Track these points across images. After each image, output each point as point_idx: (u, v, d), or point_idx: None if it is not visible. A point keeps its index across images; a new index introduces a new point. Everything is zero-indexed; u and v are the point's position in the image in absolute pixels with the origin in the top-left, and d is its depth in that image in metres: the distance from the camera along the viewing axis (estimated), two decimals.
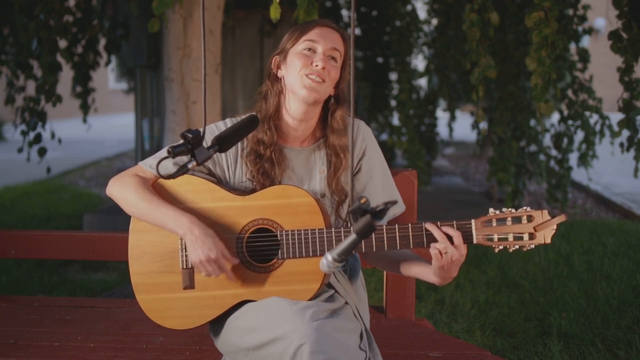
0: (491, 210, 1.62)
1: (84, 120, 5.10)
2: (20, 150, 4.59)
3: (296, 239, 1.69)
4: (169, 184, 1.78)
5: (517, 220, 1.59)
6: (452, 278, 1.65)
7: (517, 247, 1.59)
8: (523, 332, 3.26)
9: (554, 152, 6.31)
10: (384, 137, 8.17)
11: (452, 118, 9.09)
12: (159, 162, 1.48)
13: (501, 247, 1.60)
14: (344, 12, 7.43)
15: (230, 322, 1.70)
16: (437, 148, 8.16)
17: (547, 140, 6.59)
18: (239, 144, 1.82)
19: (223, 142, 1.53)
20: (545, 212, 1.58)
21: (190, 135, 1.44)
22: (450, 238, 1.58)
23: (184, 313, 1.76)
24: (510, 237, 1.59)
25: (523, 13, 5.35)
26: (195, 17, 3.52)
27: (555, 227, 1.58)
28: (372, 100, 7.67)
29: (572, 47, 5.78)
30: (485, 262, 4.40)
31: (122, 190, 1.77)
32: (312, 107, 1.78)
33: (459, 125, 10.97)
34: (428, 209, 6.21)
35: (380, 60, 7.61)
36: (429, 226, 1.61)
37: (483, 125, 8.64)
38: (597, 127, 5.61)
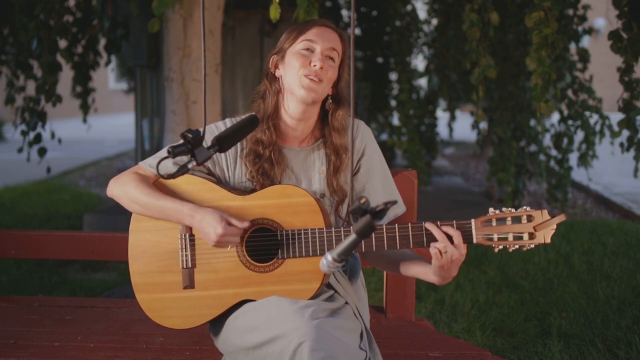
0: (491, 210, 1.62)
1: (84, 120, 5.10)
2: (20, 150, 4.59)
3: (296, 238, 1.69)
4: (169, 183, 1.78)
5: (516, 220, 1.59)
6: (451, 278, 1.65)
7: (516, 246, 1.59)
8: (523, 332, 3.26)
9: (554, 152, 6.31)
10: (384, 137, 8.17)
11: (452, 118, 9.09)
12: (159, 162, 1.48)
13: (501, 247, 1.60)
14: (344, 12, 7.43)
15: (230, 322, 1.70)
16: (437, 148, 8.15)
17: (547, 140, 6.59)
18: (239, 144, 1.82)
19: (223, 142, 1.54)
20: (545, 212, 1.58)
21: (190, 135, 1.44)
22: (450, 237, 1.59)
23: (184, 313, 1.76)
24: (510, 237, 1.59)
25: (523, 13, 5.35)
26: (195, 17, 3.52)
27: (555, 226, 1.58)
28: (372, 100, 7.67)
29: (572, 47, 5.78)
30: (485, 262, 4.40)
31: (123, 188, 1.77)
32: (310, 106, 1.78)
33: (459, 125, 10.97)
34: (428, 209, 6.21)
35: (380, 60, 7.61)
36: (429, 226, 1.61)
37: (483, 125, 8.64)
38: (597, 127, 5.60)
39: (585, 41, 9.99)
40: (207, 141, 1.73)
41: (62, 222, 5.82)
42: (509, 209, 1.60)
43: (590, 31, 5.72)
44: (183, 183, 1.77)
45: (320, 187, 1.82)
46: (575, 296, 3.71)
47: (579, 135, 5.83)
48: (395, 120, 6.91)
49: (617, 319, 3.35)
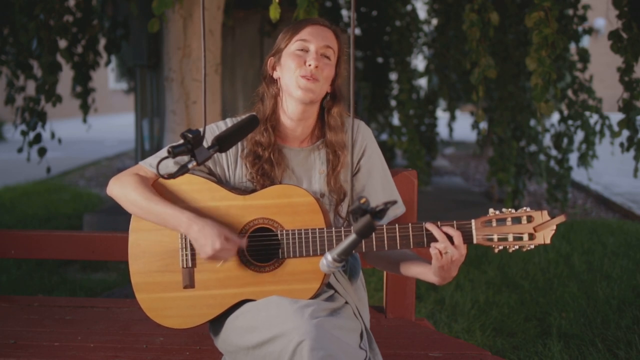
0: (491, 210, 1.62)
1: (84, 120, 5.10)
2: (20, 150, 4.59)
3: (296, 238, 1.69)
4: (170, 183, 1.78)
5: (516, 220, 1.59)
6: (451, 278, 1.65)
7: (516, 247, 1.60)
8: (523, 332, 3.26)
9: (554, 152, 6.31)
10: (384, 137, 8.17)
11: (452, 118, 9.09)
12: (159, 162, 1.48)
13: (501, 248, 1.60)
14: (344, 12, 7.43)
15: (230, 322, 1.70)
16: (437, 148, 8.16)
17: (547, 140, 6.59)
18: (239, 144, 1.83)
19: (223, 142, 1.53)
20: (545, 212, 1.58)
21: (190, 135, 1.44)
22: (450, 238, 1.59)
23: (184, 312, 1.76)
24: (510, 238, 1.59)
25: (523, 13, 5.35)
26: (195, 17, 3.52)
27: (554, 227, 1.58)
28: (372, 100, 7.67)
29: (572, 47, 5.78)
30: (485, 262, 4.40)
31: (122, 189, 1.77)
32: (309, 106, 1.79)
33: (459, 125, 10.98)
34: (428, 209, 6.21)
35: (380, 60, 7.61)
36: (429, 226, 1.61)
37: (483, 125, 8.64)
38: (597, 127, 5.60)
39: (585, 41, 9.99)
40: (208, 141, 1.73)
41: (62, 222, 5.82)
42: (509, 209, 1.60)
43: (590, 31, 5.72)
44: (183, 183, 1.77)
45: (320, 187, 1.82)
46: (575, 296, 3.71)
47: (579, 135, 5.83)
48: (395, 120, 6.91)
49: (617, 319, 3.35)
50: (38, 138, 4.39)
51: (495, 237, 1.60)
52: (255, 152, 1.80)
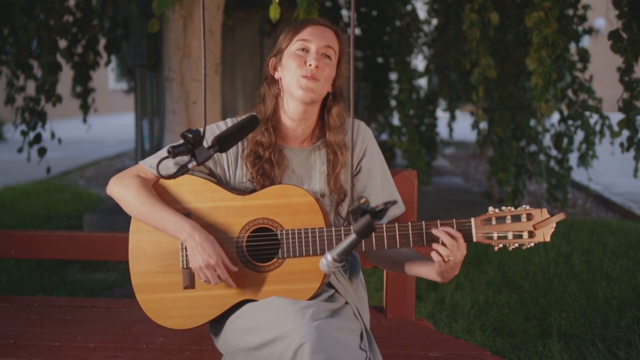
0: (490, 208, 1.62)
1: (84, 120, 5.10)
2: (20, 150, 4.59)
3: (296, 238, 1.69)
4: (170, 183, 1.78)
5: (516, 218, 1.59)
6: (454, 275, 1.65)
7: (516, 245, 1.60)
8: (523, 332, 3.26)
9: (554, 152, 6.31)
10: (384, 137, 8.17)
11: (452, 118, 9.09)
12: (159, 162, 1.48)
13: (501, 246, 1.60)
14: (344, 12, 7.43)
15: (231, 322, 1.70)
16: (437, 148, 8.16)
17: (547, 140, 6.59)
18: (239, 144, 1.83)
19: (223, 142, 1.53)
20: (545, 210, 1.59)
21: (190, 135, 1.44)
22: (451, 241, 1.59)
23: (184, 313, 1.76)
24: (510, 236, 1.60)
25: (523, 13, 5.35)
26: (195, 17, 3.52)
27: (554, 225, 1.58)
28: (372, 100, 7.67)
29: (572, 47, 5.78)
30: (485, 262, 4.40)
31: (123, 191, 1.76)
32: (310, 106, 1.79)
33: (459, 125, 10.97)
34: (428, 209, 6.21)
35: (380, 60, 7.61)
36: (436, 231, 1.60)
37: (483, 125, 8.64)
38: (597, 127, 5.60)
39: (585, 41, 9.99)
40: (208, 141, 1.73)
41: (62, 222, 5.82)
42: (509, 207, 1.60)
43: (590, 31, 5.72)
44: (184, 183, 1.77)
45: (321, 187, 1.82)
46: (575, 296, 3.71)
47: (579, 135, 5.83)
48: (395, 120, 6.91)
49: (617, 319, 3.35)
50: (38, 138, 4.39)
51: (495, 235, 1.60)
52: (255, 152, 1.80)
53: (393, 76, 7.56)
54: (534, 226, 1.58)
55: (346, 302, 1.77)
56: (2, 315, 2.24)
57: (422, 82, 8.79)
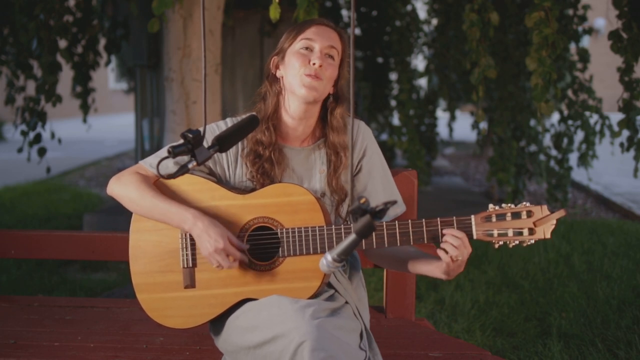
0: (491, 206, 1.62)
1: (84, 120, 5.10)
2: (20, 150, 4.59)
3: (296, 236, 1.69)
4: (170, 183, 1.78)
5: (516, 215, 1.60)
6: (459, 272, 1.66)
7: (517, 242, 1.60)
8: (523, 332, 3.26)
9: (554, 152, 6.31)
10: (384, 137, 8.17)
11: (452, 118, 9.09)
12: (159, 162, 1.48)
13: (501, 243, 1.61)
14: (344, 12, 7.43)
15: (231, 321, 1.70)
16: (437, 148, 8.16)
17: (547, 140, 6.59)
18: (239, 144, 1.83)
19: (223, 142, 1.54)
20: (545, 207, 1.59)
21: (190, 135, 1.44)
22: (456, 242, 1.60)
23: (185, 312, 1.76)
24: (510, 233, 1.60)
25: (523, 13, 5.35)
26: (195, 17, 3.52)
27: (554, 222, 1.58)
28: (372, 100, 7.66)
29: (572, 47, 5.78)
30: (485, 262, 4.40)
31: (124, 188, 1.77)
32: (311, 105, 1.79)
33: (459, 125, 10.97)
34: (428, 209, 6.21)
35: (380, 60, 7.61)
36: (446, 232, 1.60)
37: (483, 125, 8.64)
38: (597, 127, 5.60)
39: (585, 41, 9.99)
40: (208, 140, 1.73)
41: (62, 222, 5.82)
42: (509, 204, 1.61)
43: (590, 31, 5.72)
44: (184, 183, 1.77)
45: (321, 187, 1.82)
46: (575, 296, 3.71)
47: (579, 135, 5.83)
48: (395, 120, 6.91)
49: (617, 319, 3.35)
50: (38, 138, 4.39)
51: (495, 232, 1.60)
52: (256, 151, 1.80)
53: (393, 76, 7.56)
54: (534, 223, 1.58)
55: (346, 302, 1.77)
56: (2, 315, 2.24)
57: (422, 82, 8.79)
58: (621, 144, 4.25)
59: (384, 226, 1.65)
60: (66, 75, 4.66)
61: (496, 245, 1.61)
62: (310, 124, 1.84)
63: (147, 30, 3.16)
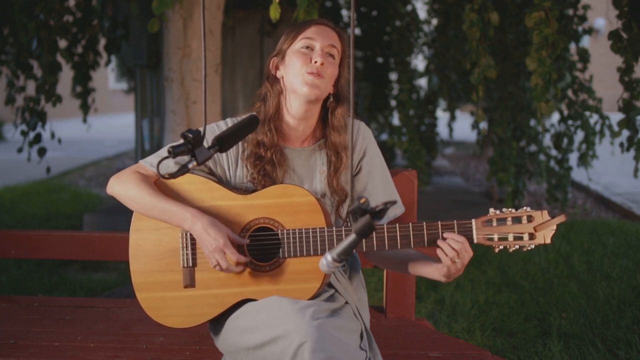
0: (491, 210, 1.62)
1: (84, 120, 5.09)
2: (20, 150, 4.59)
3: (297, 237, 1.69)
4: (170, 183, 1.78)
5: (517, 220, 1.60)
6: (459, 275, 1.66)
7: (517, 247, 1.60)
8: (523, 332, 3.26)
9: (554, 152, 6.31)
10: (384, 137, 8.17)
11: (452, 118, 9.09)
12: (160, 161, 1.48)
13: (501, 247, 1.61)
14: (344, 12, 7.43)
15: (231, 322, 1.70)
16: (437, 148, 8.15)
17: (547, 140, 6.59)
18: (240, 145, 1.83)
19: (223, 142, 1.53)
20: (545, 212, 1.59)
21: (190, 135, 1.44)
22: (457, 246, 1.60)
23: (184, 312, 1.76)
24: (511, 237, 1.60)
25: (523, 13, 5.35)
26: (195, 17, 3.52)
27: (555, 227, 1.58)
28: (372, 100, 7.66)
29: (572, 47, 5.78)
30: (485, 262, 4.40)
31: (124, 187, 1.77)
32: (312, 105, 1.79)
33: (459, 125, 10.97)
34: (428, 209, 6.21)
35: (380, 60, 7.61)
36: (441, 242, 1.60)
37: (483, 125, 8.64)
38: (597, 127, 5.60)
39: (585, 41, 9.99)
40: (208, 140, 1.73)
41: (62, 222, 5.82)
42: (509, 209, 1.61)
43: (590, 31, 5.72)
44: (184, 182, 1.77)
45: (321, 187, 1.82)
46: (575, 296, 3.71)
47: (579, 135, 5.83)
48: (395, 120, 6.91)
49: (617, 319, 3.35)
50: (38, 138, 4.39)
51: (496, 236, 1.60)
52: (256, 154, 1.79)
53: (393, 76, 7.56)
54: (535, 228, 1.58)
55: (346, 302, 1.77)
56: (2, 315, 2.24)
57: (422, 82, 8.79)
58: (621, 144, 4.25)
59: (385, 229, 1.65)
60: (66, 75, 4.66)
61: (496, 250, 1.61)
62: (311, 124, 1.84)
63: (147, 30, 3.16)
